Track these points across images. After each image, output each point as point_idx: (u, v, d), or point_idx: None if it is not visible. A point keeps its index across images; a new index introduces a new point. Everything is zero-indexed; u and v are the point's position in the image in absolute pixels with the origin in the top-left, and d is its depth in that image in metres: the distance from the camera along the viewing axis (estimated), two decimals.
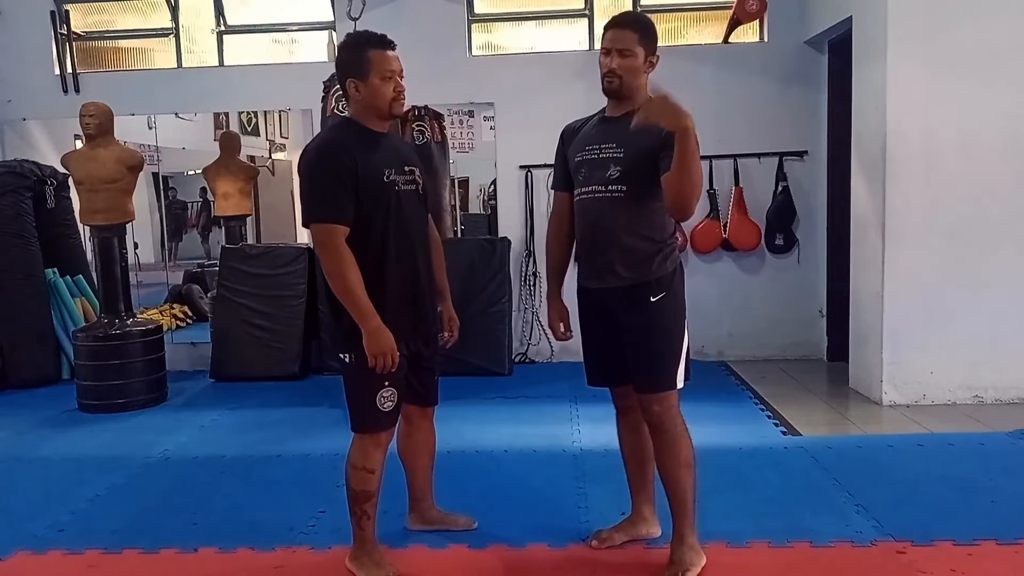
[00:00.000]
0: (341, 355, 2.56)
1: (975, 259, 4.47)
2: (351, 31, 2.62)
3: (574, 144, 2.70)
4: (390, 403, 2.55)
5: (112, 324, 4.98)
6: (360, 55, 2.50)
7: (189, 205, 7.56)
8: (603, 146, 2.58)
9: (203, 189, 7.29)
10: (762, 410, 4.57)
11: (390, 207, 2.51)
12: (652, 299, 2.58)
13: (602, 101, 2.66)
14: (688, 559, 2.61)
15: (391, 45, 2.53)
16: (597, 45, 5.85)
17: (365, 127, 2.56)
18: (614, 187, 2.55)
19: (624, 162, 2.52)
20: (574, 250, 2.78)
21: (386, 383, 2.52)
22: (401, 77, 2.54)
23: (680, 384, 2.63)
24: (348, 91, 2.54)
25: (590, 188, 2.61)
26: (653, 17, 6.64)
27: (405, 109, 2.67)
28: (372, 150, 2.52)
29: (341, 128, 2.64)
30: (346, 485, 2.63)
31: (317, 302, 5.62)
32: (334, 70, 4.57)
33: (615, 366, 2.69)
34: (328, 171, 2.43)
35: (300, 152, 2.55)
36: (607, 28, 2.60)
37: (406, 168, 2.60)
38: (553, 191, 2.86)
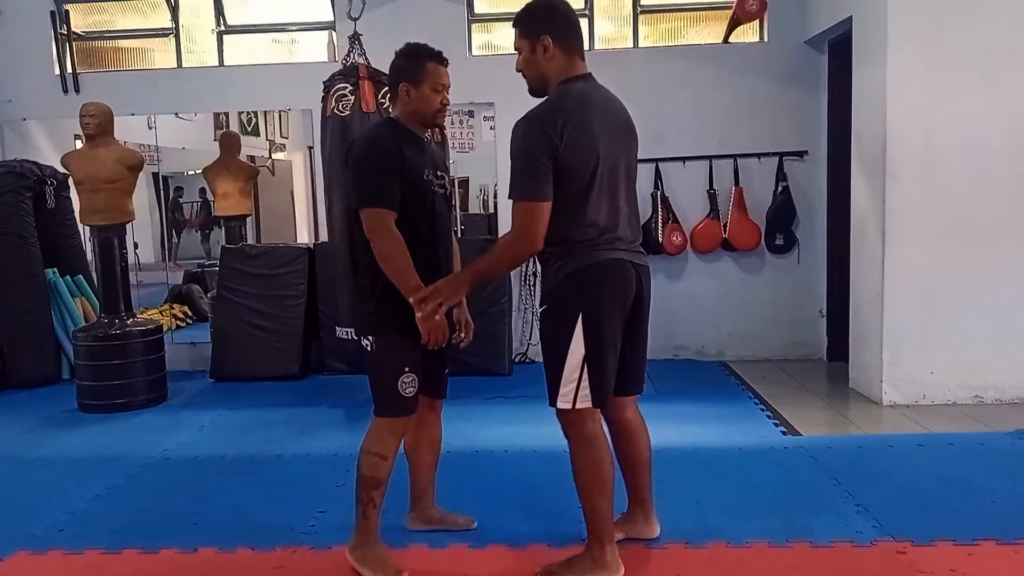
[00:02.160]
0: (363, 341, 2.65)
1: (975, 259, 4.47)
2: (410, 42, 2.74)
3: None
4: (411, 388, 2.62)
5: (112, 324, 4.98)
6: (418, 63, 2.66)
7: (183, 206, 7.54)
8: None
9: (202, 189, 7.29)
10: (762, 410, 4.56)
11: (424, 204, 2.64)
12: (539, 310, 2.58)
13: None
14: (578, 569, 2.56)
15: (447, 62, 2.71)
16: (597, 45, 5.92)
17: (408, 129, 2.69)
18: None
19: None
20: None
21: (406, 368, 2.60)
22: (448, 92, 2.70)
23: (562, 405, 2.48)
24: (399, 93, 2.68)
25: None
26: (653, 17, 6.61)
27: None
28: (414, 149, 2.65)
29: (388, 126, 2.75)
30: (356, 471, 2.67)
31: (318, 302, 5.63)
32: (334, 70, 4.60)
33: None
34: (379, 161, 2.56)
35: (346, 148, 2.73)
36: None
37: (438, 173, 2.74)
38: None
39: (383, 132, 2.70)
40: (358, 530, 2.70)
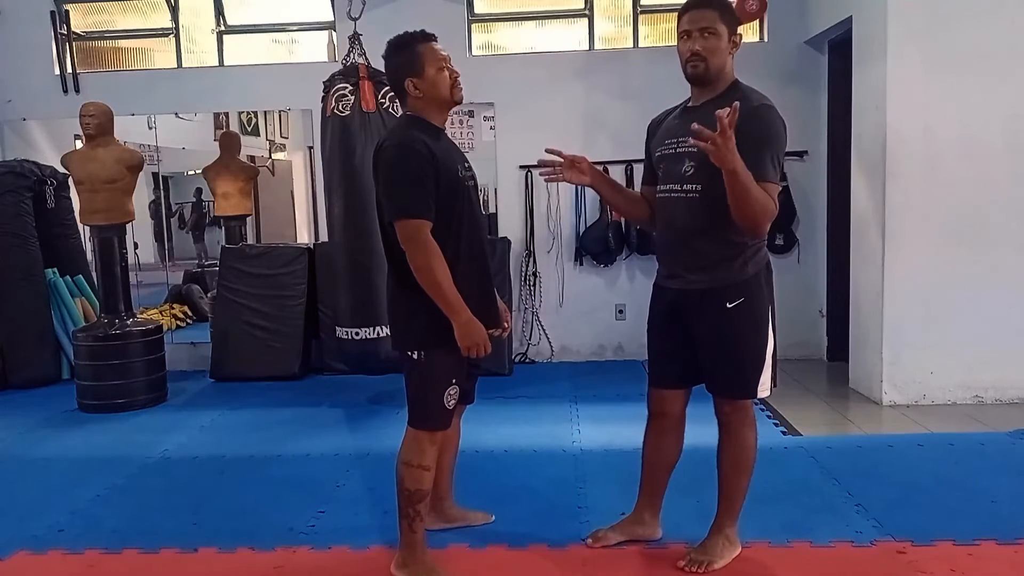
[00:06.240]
0: (409, 353, 2.54)
1: (975, 259, 4.47)
2: (397, 34, 2.64)
3: (656, 138, 2.65)
4: (454, 400, 2.58)
5: (112, 324, 4.97)
6: (410, 53, 2.54)
7: (176, 207, 7.48)
8: (680, 140, 2.49)
9: (198, 189, 7.28)
10: (762, 410, 4.55)
11: (464, 202, 2.54)
12: (728, 305, 2.46)
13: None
14: (718, 549, 2.67)
15: (435, 37, 2.60)
16: (597, 45, 5.92)
17: (430, 123, 2.56)
18: (689, 186, 2.46)
19: (699, 157, 2.37)
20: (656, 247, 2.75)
21: (454, 380, 2.55)
22: (450, 62, 2.59)
23: (762, 394, 2.54)
24: (407, 91, 2.55)
25: (667, 187, 2.56)
26: (653, 17, 6.61)
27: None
28: (441, 146, 2.53)
29: (412, 125, 2.55)
30: (398, 486, 2.59)
31: (318, 302, 5.63)
32: (334, 70, 4.59)
33: (678, 369, 2.67)
34: (413, 168, 2.42)
35: (375, 150, 2.53)
36: (684, 11, 2.53)
37: (465, 164, 2.63)
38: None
39: (412, 135, 2.48)
40: (404, 544, 2.63)
